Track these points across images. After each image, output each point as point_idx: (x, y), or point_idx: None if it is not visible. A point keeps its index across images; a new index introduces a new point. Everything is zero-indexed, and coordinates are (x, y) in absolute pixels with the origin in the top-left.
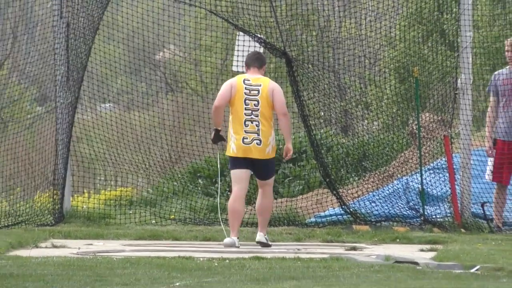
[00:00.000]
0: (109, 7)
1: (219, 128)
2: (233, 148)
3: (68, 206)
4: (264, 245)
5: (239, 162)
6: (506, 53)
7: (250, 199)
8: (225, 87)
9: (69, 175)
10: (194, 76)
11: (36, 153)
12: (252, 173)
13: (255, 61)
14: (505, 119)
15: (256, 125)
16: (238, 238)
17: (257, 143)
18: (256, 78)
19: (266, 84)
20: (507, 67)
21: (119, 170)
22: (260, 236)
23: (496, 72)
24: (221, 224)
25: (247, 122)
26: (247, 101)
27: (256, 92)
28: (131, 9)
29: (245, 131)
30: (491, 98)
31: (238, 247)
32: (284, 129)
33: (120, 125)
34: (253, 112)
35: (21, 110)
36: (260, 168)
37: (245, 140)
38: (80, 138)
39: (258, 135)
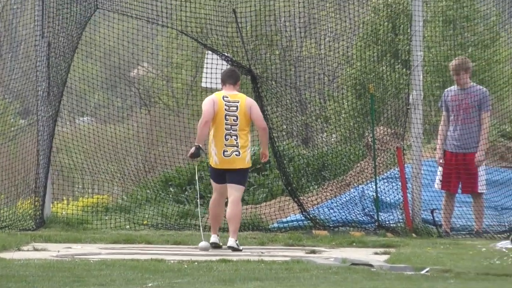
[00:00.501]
0: (87, 27)
1: (200, 145)
2: (215, 160)
3: (49, 212)
4: (235, 249)
5: (219, 175)
6: (452, 74)
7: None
8: (208, 103)
9: (50, 183)
10: (166, 92)
11: (19, 163)
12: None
13: (230, 78)
14: (453, 132)
15: (235, 139)
16: (218, 236)
17: (236, 154)
18: (233, 94)
19: (243, 100)
20: (455, 86)
21: (96, 179)
22: (231, 242)
23: (446, 89)
24: (200, 229)
25: (227, 137)
26: (227, 117)
27: (235, 108)
28: (108, 29)
29: (225, 145)
30: (443, 113)
31: (221, 246)
32: (263, 140)
33: (97, 137)
34: (232, 127)
35: (5, 123)
36: (235, 175)
37: (225, 153)
38: (60, 149)
39: (237, 147)
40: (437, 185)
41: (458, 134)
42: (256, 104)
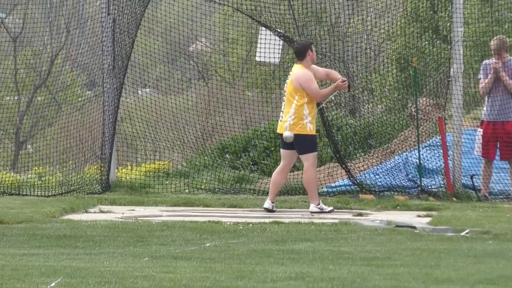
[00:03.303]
0: (150, 5)
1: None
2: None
3: (114, 177)
4: (316, 212)
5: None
6: (493, 54)
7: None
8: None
9: (114, 150)
10: (222, 65)
11: (86, 131)
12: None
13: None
14: (493, 102)
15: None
16: (273, 202)
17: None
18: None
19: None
20: (493, 58)
21: (157, 146)
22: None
23: (485, 61)
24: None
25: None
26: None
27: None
28: (169, 7)
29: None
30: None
31: (275, 210)
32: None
33: (159, 107)
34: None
35: (73, 94)
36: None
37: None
38: (124, 119)
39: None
40: (476, 152)
41: (498, 105)
42: (300, 74)
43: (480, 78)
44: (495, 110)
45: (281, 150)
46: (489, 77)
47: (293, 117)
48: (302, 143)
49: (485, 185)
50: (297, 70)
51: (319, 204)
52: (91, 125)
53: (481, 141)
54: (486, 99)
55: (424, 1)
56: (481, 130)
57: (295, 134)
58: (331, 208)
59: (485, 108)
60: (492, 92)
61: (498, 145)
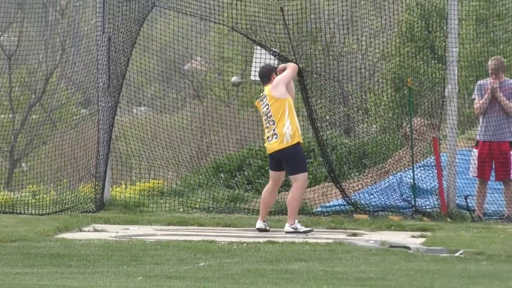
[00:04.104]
0: (145, 23)
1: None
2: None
3: (108, 195)
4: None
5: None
6: (490, 74)
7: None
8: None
9: (109, 168)
10: (218, 84)
11: (81, 150)
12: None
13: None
14: (488, 122)
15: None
16: (265, 222)
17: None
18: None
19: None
20: (489, 78)
21: (152, 165)
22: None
23: (480, 81)
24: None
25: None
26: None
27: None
28: (164, 25)
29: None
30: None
31: (268, 230)
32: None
33: (153, 126)
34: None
35: (68, 112)
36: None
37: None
38: (118, 137)
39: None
40: (471, 173)
41: (494, 125)
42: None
43: (474, 98)
44: (490, 130)
45: (270, 171)
46: (485, 97)
47: (290, 127)
48: (292, 162)
49: (479, 205)
50: (268, 87)
51: (293, 224)
52: (85, 144)
53: (476, 161)
54: (480, 119)
55: (419, 21)
56: (476, 150)
57: (291, 145)
58: (308, 228)
59: (480, 128)
60: (487, 112)
61: (494, 165)
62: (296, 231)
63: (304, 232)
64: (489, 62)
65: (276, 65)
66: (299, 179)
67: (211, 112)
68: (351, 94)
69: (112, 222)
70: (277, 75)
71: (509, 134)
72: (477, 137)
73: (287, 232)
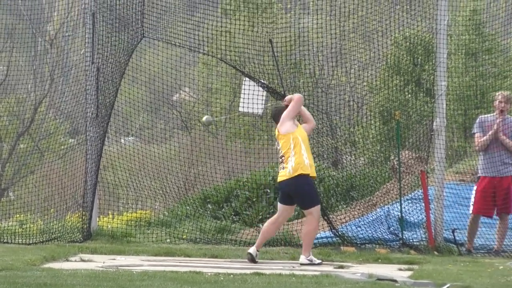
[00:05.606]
0: (134, 54)
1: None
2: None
3: (95, 225)
4: (305, 264)
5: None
6: (498, 103)
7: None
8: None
9: (96, 198)
10: (206, 115)
11: (68, 179)
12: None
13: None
14: (490, 158)
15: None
16: (258, 251)
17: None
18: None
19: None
20: (491, 114)
21: (139, 195)
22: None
23: (481, 116)
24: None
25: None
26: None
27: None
28: (153, 56)
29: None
30: (479, 137)
31: (256, 261)
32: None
33: (141, 156)
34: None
35: (56, 142)
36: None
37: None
38: (106, 167)
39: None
40: (472, 210)
41: (495, 160)
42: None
43: (475, 133)
44: (492, 165)
45: (280, 204)
46: (488, 133)
47: (294, 159)
48: (301, 195)
49: (470, 239)
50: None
51: (309, 256)
52: (73, 173)
53: (476, 198)
54: (481, 154)
55: (405, 55)
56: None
57: (293, 177)
58: (320, 260)
59: (480, 163)
60: (489, 147)
61: (496, 201)
62: (311, 263)
63: (318, 264)
64: (498, 97)
65: (283, 105)
66: (313, 213)
67: (199, 143)
68: (339, 126)
69: (99, 252)
70: None
71: (511, 168)
72: (478, 173)
73: (302, 264)
